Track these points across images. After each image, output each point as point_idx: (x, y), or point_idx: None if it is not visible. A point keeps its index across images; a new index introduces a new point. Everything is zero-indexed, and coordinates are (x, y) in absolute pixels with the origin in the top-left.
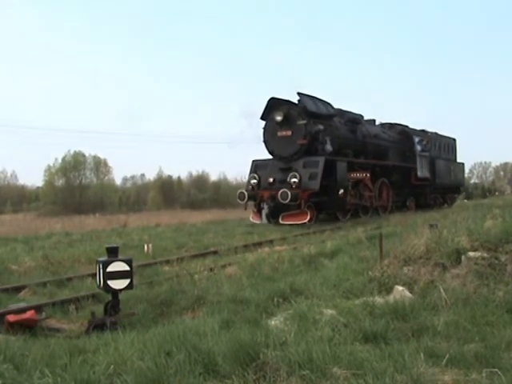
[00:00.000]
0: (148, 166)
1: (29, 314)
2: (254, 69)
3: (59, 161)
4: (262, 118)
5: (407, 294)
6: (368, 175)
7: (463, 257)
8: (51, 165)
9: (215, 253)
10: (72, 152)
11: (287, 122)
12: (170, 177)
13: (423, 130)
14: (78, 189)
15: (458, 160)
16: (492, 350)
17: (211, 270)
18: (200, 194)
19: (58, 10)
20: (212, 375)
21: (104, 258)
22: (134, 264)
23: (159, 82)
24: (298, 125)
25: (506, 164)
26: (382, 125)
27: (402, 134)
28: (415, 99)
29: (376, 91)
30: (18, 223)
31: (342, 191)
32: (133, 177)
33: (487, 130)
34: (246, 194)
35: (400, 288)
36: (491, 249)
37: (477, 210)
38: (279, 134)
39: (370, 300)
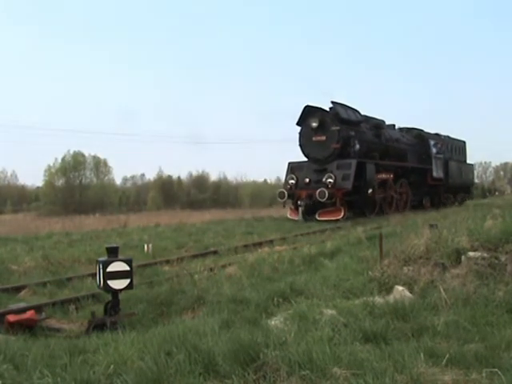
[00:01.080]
0: (148, 166)
1: (29, 314)
2: (253, 69)
3: (59, 161)
4: (298, 123)
5: (407, 293)
6: (392, 176)
7: (463, 257)
8: (51, 165)
9: (215, 253)
10: (72, 152)
11: (322, 127)
12: (170, 177)
13: (437, 134)
14: (77, 189)
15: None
16: (492, 350)
17: (211, 269)
18: (200, 193)
19: (58, 10)
20: (212, 375)
21: (104, 258)
22: (134, 264)
23: (159, 81)
24: (331, 130)
25: (505, 164)
26: (400, 129)
27: (419, 138)
28: (414, 99)
29: (367, 88)
30: (18, 223)
31: (370, 190)
32: (133, 177)
33: (487, 129)
34: (285, 193)
35: (400, 288)
36: (491, 249)
37: (477, 210)
38: (314, 138)
39: (370, 300)
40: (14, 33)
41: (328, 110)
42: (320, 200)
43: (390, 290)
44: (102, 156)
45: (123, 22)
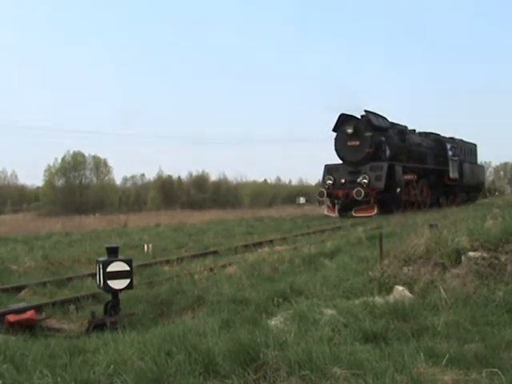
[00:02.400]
0: (148, 166)
1: (29, 314)
2: (248, 69)
3: (59, 161)
4: (334, 130)
5: (407, 293)
6: (415, 177)
7: (463, 257)
8: (51, 165)
9: (215, 253)
10: (72, 152)
11: (356, 133)
12: (170, 177)
13: (452, 138)
14: (77, 189)
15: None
16: (492, 349)
17: (211, 269)
18: (200, 193)
19: (58, 11)
20: (212, 375)
21: (104, 258)
22: (134, 264)
23: (159, 81)
24: (365, 136)
25: (505, 164)
26: (420, 133)
27: (436, 142)
28: (414, 99)
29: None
30: (18, 223)
31: (399, 190)
32: (133, 177)
33: (487, 129)
34: (325, 192)
35: (400, 288)
36: (491, 249)
37: (477, 210)
38: (349, 143)
39: (370, 300)
40: (13, 33)
41: (360, 117)
42: (357, 198)
43: (389, 290)
44: (102, 156)
45: (124, 22)
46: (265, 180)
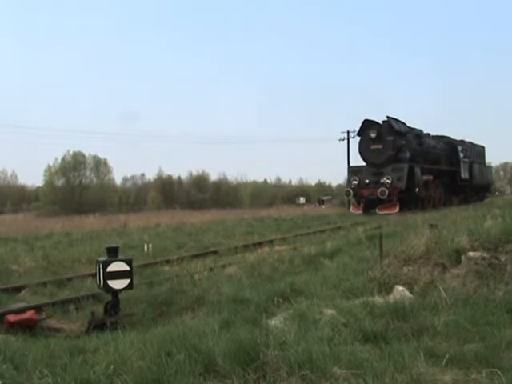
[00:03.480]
0: (148, 166)
1: (29, 314)
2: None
3: (59, 161)
4: (358, 134)
5: (407, 293)
6: (431, 177)
7: (463, 257)
8: (51, 165)
9: (215, 253)
10: (72, 152)
11: (379, 138)
12: (170, 177)
13: (462, 140)
14: (77, 189)
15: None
16: (492, 349)
17: (211, 269)
18: (200, 193)
19: (58, 10)
20: (212, 375)
21: (104, 258)
22: (134, 264)
23: (159, 81)
24: (387, 140)
25: (506, 164)
26: (433, 137)
27: (448, 144)
28: (413, 99)
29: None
30: (18, 223)
31: (417, 189)
32: (133, 177)
33: (487, 129)
34: (351, 191)
35: (400, 288)
36: (491, 249)
37: (477, 210)
38: (372, 147)
39: (370, 300)
40: (13, 32)
41: (381, 122)
42: (381, 197)
43: (390, 290)
44: (102, 156)
45: (124, 23)
46: (265, 180)
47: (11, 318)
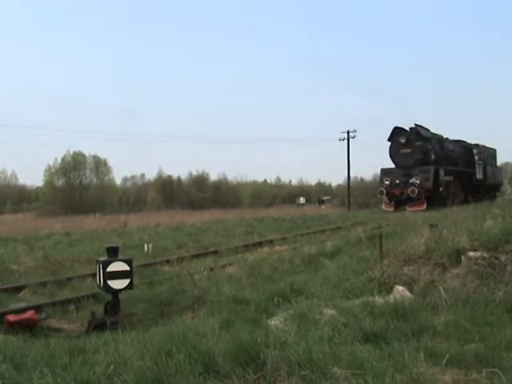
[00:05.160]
0: (148, 166)
1: (29, 314)
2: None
3: (59, 161)
4: (389, 140)
5: (407, 293)
6: (452, 178)
7: (463, 257)
8: (51, 165)
9: (215, 253)
10: (72, 152)
11: (408, 143)
12: (169, 177)
13: (476, 144)
14: (77, 189)
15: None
16: (492, 349)
17: (211, 269)
18: (200, 193)
19: (59, 11)
20: (212, 375)
21: (104, 258)
22: (134, 264)
23: (159, 81)
24: (415, 145)
25: (506, 164)
26: (451, 141)
27: (465, 148)
28: (412, 98)
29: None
30: (17, 223)
31: (441, 189)
32: (133, 177)
33: (487, 129)
34: (384, 191)
35: (400, 288)
36: (491, 249)
37: (477, 210)
38: (402, 151)
39: (370, 300)
40: (13, 32)
41: (409, 129)
42: (411, 196)
43: (389, 290)
44: (102, 156)
45: (124, 22)
46: (265, 180)
47: (11, 317)
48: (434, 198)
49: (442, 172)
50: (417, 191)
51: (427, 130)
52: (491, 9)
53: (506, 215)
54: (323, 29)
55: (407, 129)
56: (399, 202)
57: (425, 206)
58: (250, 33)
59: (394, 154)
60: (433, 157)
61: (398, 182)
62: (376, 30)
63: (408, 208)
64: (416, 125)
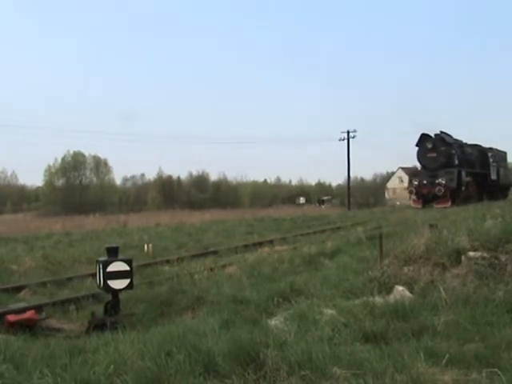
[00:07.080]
0: (148, 166)
1: (29, 314)
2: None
3: (59, 161)
4: (417, 145)
5: (407, 293)
6: (471, 179)
7: (463, 257)
8: (51, 165)
9: (215, 253)
10: (72, 152)
11: (434, 148)
12: (169, 177)
13: (491, 148)
14: (77, 189)
15: None
16: (492, 349)
17: (211, 269)
18: (200, 193)
19: (59, 11)
20: (212, 375)
21: (104, 258)
22: (134, 264)
23: (159, 81)
24: (440, 150)
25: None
26: (468, 145)
27: (480, 152)
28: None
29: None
30: (17, 223)
31: (463, 188)
32: (133, 177)
33: (487, 129)
34: (414, 190)
35: (400, 288)
36: (491, 249)
37: (477, 209)
38: (428, 155)
39: (370, 300)
40: (13, 32)
41: (434, 135)
42: (438, 194)
43: (389, 290)
44: (102, 156)
45: (123, 22)
46: (265, 180)
47: (11, 317)
48: (456, 197)
49: (463, 173)
50: (443, 190)
51: (450, 136)
52: (490, 11)
53: (506, 215)
54: (323, 29)
55: (432, 135)
56: (427, 199)
57: (450, 203)
58: (250, 32)
59: (421, 157)
60: (456, 160)
61: (425, 182)
62: (376, 30)
63: (435, 205)
64: (441, 131)
